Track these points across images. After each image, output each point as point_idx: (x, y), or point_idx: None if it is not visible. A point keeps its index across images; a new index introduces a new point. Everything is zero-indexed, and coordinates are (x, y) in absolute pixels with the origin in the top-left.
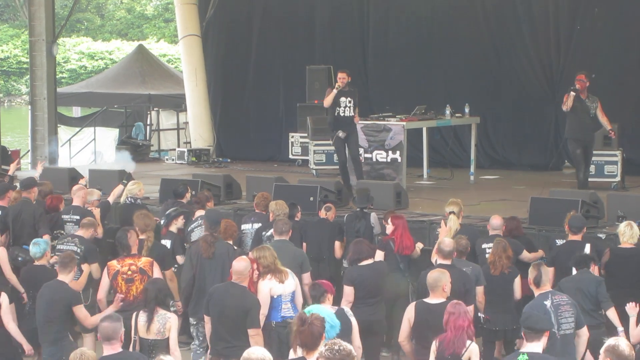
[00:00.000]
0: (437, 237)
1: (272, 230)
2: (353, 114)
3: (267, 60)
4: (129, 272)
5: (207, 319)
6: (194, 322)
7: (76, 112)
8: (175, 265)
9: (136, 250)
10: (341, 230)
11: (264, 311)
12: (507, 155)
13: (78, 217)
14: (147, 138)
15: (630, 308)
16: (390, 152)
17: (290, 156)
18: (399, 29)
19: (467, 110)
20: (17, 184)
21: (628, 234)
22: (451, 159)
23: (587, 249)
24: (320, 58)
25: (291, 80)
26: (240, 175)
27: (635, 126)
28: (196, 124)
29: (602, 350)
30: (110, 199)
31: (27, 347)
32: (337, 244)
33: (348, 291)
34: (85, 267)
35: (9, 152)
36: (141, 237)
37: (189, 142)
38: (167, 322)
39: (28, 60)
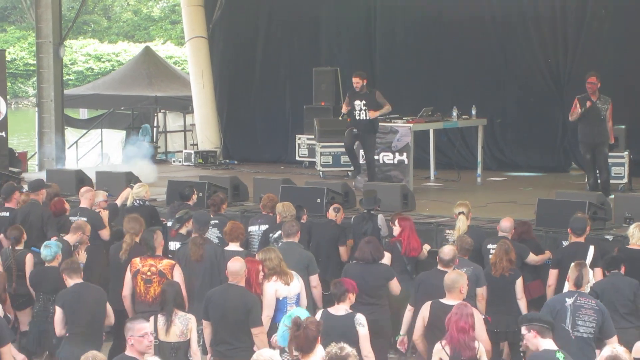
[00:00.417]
0: (445, 238)
1: (279, 232)
2: (366, 117)
3: (274, 62)
4: (149, 273)
5: (206, 323)
6: None
7: (83, 114)
8: None
9: (161, 251)
10: (345, 234)
11: (269, 313)
12: (514, 157)
13: (85, 219)
14: (154, 140)
15: None
16: (397, 154)
17: (297, 158)
18: (406, 31)
19: (474, 112)
20: (26, 186)
21: (637, 236)
22: (458, 161)
23: (591, 251)
24: (327, 60)
25: (298, 82)
26: (247, 177)
27: None
28: (203, 126)
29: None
30: (119, 201)
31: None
32: (341, 249)
33: None
34: None
35: (16, 154)
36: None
37: (196, 144)
38: (188, 323)
39: (35, 62)
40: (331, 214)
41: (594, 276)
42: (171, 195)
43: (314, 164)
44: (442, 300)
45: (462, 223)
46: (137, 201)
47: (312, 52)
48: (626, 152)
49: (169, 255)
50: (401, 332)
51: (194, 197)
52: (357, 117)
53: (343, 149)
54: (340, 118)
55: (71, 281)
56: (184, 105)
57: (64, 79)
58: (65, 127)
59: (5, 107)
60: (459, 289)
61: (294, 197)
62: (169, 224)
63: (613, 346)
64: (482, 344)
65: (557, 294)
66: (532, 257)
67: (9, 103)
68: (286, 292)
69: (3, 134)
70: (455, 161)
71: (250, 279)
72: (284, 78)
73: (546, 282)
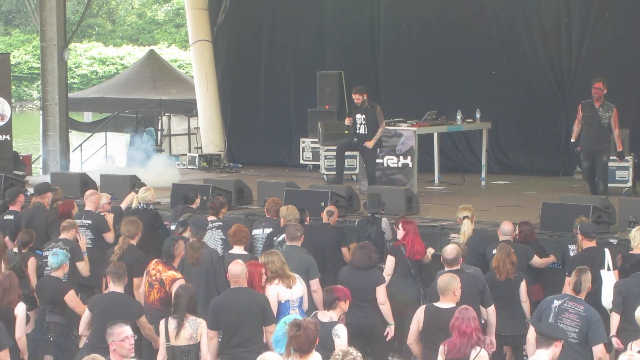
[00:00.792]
0: (449, 242)
1: (283, 235)
2: (366, 131)
3: (278, 65)
4: (153, 278)
5: (212, 334)
6: None
7: (87, 117)
8: None
9: (178, 262)
10: (345, 236)
11: None
12: (518, 161)
13: (90, 222)
14: (159, 143)
15: None
16: (401, 157)
17: (301, 161)
18: (410, 34)
19: (478, 115)
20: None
21: (638, 239)
22: (462, 165)
23: (607, 254)
24: (331, 63)
25: (302, 86)
26: (251, 181)
27: None
28: (207, 129)
29: None
30: (123, 205)
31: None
32: (344, 250)
33: None
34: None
35: (21, 157)
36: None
37: (200, 147)
38: (198, 328)
39: (39, 65)
40: (325, 217)
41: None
42: (175, 198)
43: (318, 168)
44: (436, 304)
45: (467, 227)
46: (142, 204)
47: (316, 55)
48: (630, 156)
49: None
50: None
51: (198, 200)
52: (358, 131)
53: (348, 152)
54: (346, 132)
55: (112, 287)
56: (188, 109)
57: (68, 82)
58: (70, 131)
59: (10, 110)
60: (452, 291)
61: (298, 200)
62: (173, 227)
63: (630, 353)
64: (484, 350)
65: None
66: (536, 260)
67: (13, 106)
68: (288, 295)
69: (7, 137)
70: (459, 164)
71: (253, 281)
72: (288, 81)
73: (546, 287)
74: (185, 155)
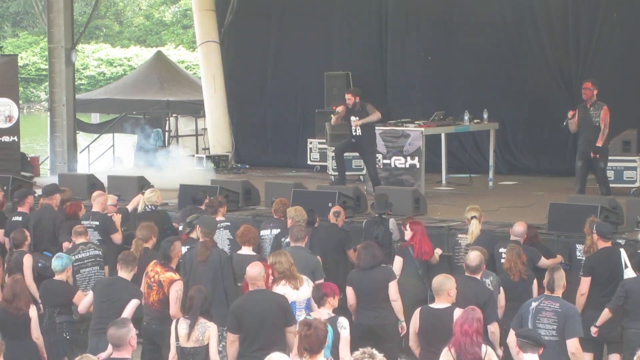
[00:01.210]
0: (457, 243)
1: None
2: (361, 133)
3: (285, 66)
4: (152, 280)
5: (233, 337)
6: None
7: (95, 118)
8: None
9: (176, 263)
10: (349, 239)
11: None
12: (526, 161)
13: (97, 223)
14: (166, 144)
15: None
16: (408, 158)
17: (309, 162)
18: (417, 35)
19: (485, 116)
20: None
21: None
22: (470, 165)
23: (624, 254)
24: (339, 64)
25: (309, 86)
26: (258, 181)
27: None
28: (215, 130)
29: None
30: (130, 207)
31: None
32: (350, 252)
33: (349, 292)
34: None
35: (28, 159)
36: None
37: (208, 148)
38: (206, 331)
39: (47, 67)
40: (332, 218)
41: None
42: (183, 199)
43: (325, 168)
44: (431, 305)
45: (475, 227)
46: (149, 206)
47: (324, 56)
48: (638, 156)
49: (180, 260)
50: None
51: (207, 201)
52: (354, 133)
53: (355, 153)
54: (332, 115)
55: (120, 273)
56: (195, 110)
57: (75, 83)
58: (77, 132)
59: (18, 111)
60: (446, 291)
61: (306, 201)
62: (181, 227)
63: None
64: (490, 348)
65: (589, 302)
66: (543, 261)
67: (21, 108)
68: (295, 296)
69: (15, 138)
70: (466, 165)
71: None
72: (296, 82)
73: None
74: (193, 156)
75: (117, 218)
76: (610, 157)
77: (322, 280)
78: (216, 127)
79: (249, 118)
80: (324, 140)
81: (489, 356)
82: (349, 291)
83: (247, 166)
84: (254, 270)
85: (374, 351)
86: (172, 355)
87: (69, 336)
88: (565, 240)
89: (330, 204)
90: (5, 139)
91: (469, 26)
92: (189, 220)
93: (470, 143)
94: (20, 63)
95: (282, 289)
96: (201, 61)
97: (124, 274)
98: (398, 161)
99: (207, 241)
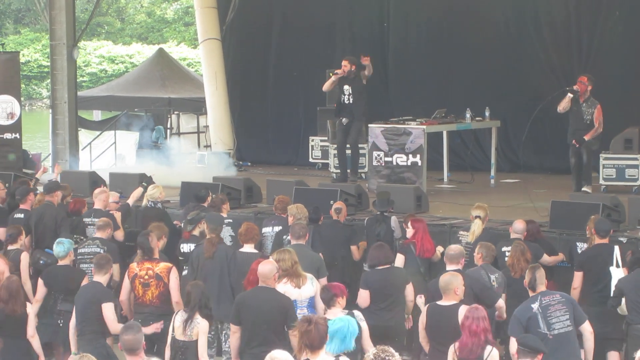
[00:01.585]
0: (458, 240)
1: None
2: (351, 102)
3: (287, 64)
4: (146, 277)
5: (235, 328)
6: None
7: (97, 115)
8: None
9: (157, 254)
10: (355, 233)
11: None
12: (527, 159)
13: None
14: (168, 141)
15: None
16: (410, 155)
17: (311, 160)
18: (419, 33)
19: (487, 113)
20: (40, 187)
21: None
22: (471, 163)
23: (617, 251)
24: (340, 62)
25: (311, 84)
26: (260, 179)
27: None
28: (216, 128)
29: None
30: (130, 201)
31: (42, 358)
32: (353, 248)
33: (364, 295)
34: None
35: (30, 156)
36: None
37: (209, 146)
38: (195, 327)
39: (49, 64)
40: (334, 214)
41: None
42: (185, 196)
43: (327, 166)
44: (439, 302)
45: (477, 227)
46: (150, 202)
47: (326, 53)
48: None
49: (180, 257)
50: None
51: (209, 198)
52: (345, 102)
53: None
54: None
55: (95, 277)
56: (197, 107)
57: (77, 80)
58: (79, 129)
59: (20, 108)
60: (453, 290)
61: (308, 199)
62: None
63: None
64: (495, 350)
65: (583, 297)
66: (546, 258)
67: (23, 105)
68: (296, 294)
69: (17, 135)
70: (468, 163)
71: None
72: (297, 80)
73: (557, 284)
74: (195, 153)
75: (118, 215)
76: (612, 155)
77: (325, 278)
78: (218, 124)
79: (251, 115)
80: (326, 138)
81: (492, 357)
82: (365, 294)
83: (249, 164)
84: (266, 267)
85: (392, 349)
86: (168, 345)
87: (62, 324)
88: (566, 238)
89: (332, 202)
90: (7, 136)
91: (471, 24)
92: (190, 218)
93: (472, 141)
94: (22, 60)
95: (283, 287)
96: (203, 58)
97: (99, 277)
98: (400, 159)
99: (213, 237)
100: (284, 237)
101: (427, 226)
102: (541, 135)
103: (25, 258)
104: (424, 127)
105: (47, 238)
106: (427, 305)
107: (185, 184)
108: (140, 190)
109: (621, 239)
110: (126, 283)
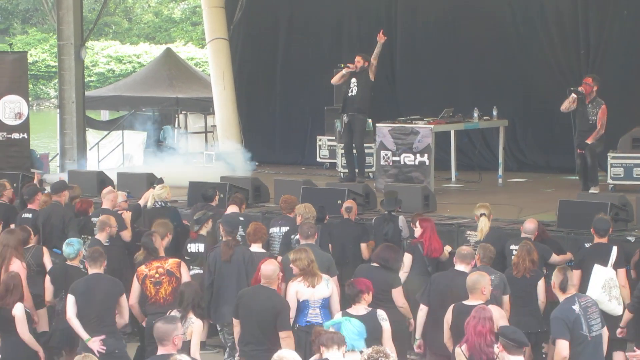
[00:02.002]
0: (466, 240)
1: None
2: (355, 94)
3: (294, 63)
4: (157, 275)
5: (235, 322)
6: (219, 329)
7: (104, 115)
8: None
9: (163, 252)
10: (366, 231)
11: (291, 314)
12: (535, 158)
13: None
14: (175, 141)
15: None
16: (418, 155)
17: (318, 159)
18: (426, 33)
19: (495, 113)
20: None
21: None
22: (479, 162)
23: (614, 251)
24: (348, 60)
25: (318, 83)
26: (268, 179)
27: None
28: (224, 127)
29: None
30: (142, 202)
31: (42, 354)
32: (363, 246)
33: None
34: None
35: (38, 156)
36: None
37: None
38: (189, 327)
39: (56, 64)
40: (344, 213)
41: (617, 277)
42: (192, 196)
43: (334, 166)
44: (465, 302)
45: (484, 224)
46: (159, 202)
47: (333, 53)
48: None
49: (187, 257)
50: (417, 336)
51: (217, 198)
52: (349, 94)
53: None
54: (342, 65)
55: (90, 270)
56: (204, 107)
57: (85, 80)
58: (87, 129)
59: (27, 108)
60: (480, 289)
61: (315, 198)
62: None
63: None
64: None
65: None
66: (554, 258)
67: (30, 105)
68: (308, 294)
69: (25, 135)
70: (476, 162)
71: None
72: (305, 79)
73: None
74: (202, 153)
75: (127, 215)
76: (620, 154)
77: (335, 277)
78: (225, 124)
79: (258, 115)
80: (333, 138)
81: (502, 356)
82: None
83: (257, 163)
84: (269, 268)
85: (387, 350)
86: None
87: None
88: (574, 238)
89: (339, 201)
90: (15, 136)
91: (479, 23)
92: (196, 217)
93: (479, 140)
94: (30, 60)
95: (297, 285)
96: (210, 58)
97: (95, 269)
98: (407, 158)
99: (230, 240)
100: (292, 236)
101: (434, 226)
102: (549, 134)
103: (47, 251)
104: (432, 126)
105: (54, 238)
106: (453, 305)
107: (192, 183)
108: (151, 191)
109: (629, 237)
110: (136, 286)
